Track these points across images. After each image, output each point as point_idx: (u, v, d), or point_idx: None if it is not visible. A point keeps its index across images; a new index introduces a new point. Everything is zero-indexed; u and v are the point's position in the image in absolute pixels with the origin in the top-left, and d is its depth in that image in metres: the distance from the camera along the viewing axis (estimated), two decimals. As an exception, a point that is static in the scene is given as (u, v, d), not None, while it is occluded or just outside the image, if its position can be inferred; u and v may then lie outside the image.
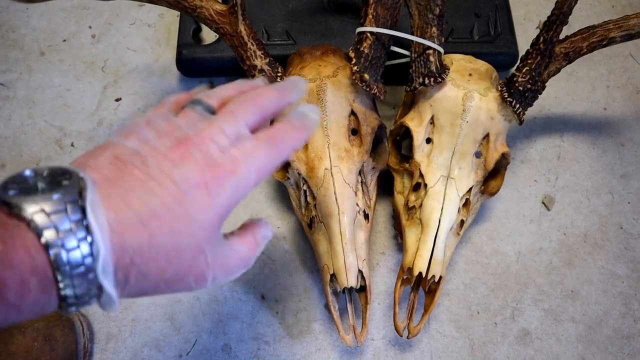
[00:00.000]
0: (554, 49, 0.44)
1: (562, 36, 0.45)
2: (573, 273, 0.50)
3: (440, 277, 0.43)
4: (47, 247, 0.21)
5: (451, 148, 0.44)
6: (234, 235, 0.29)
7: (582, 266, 0.50)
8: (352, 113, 0.45)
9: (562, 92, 0.57)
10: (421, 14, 0.45)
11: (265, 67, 0.44)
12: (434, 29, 0.44)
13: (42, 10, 0.61)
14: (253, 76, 0.45)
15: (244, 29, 0.44)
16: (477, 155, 0.45)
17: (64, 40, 0.60)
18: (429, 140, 0.45)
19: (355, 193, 0.44)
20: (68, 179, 0.22)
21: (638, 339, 0.48)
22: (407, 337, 0.44)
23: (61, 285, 0.22)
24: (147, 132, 0.26)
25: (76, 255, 0.21)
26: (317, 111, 0.31)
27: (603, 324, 0.48)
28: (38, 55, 0.59)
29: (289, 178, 0.46)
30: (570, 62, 0.45)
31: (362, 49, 0.43)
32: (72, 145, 0.55)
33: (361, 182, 0.45)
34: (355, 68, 0.43)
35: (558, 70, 0.46)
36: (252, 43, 0.44)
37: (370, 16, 0.43)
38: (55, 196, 0.22)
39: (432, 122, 0.45)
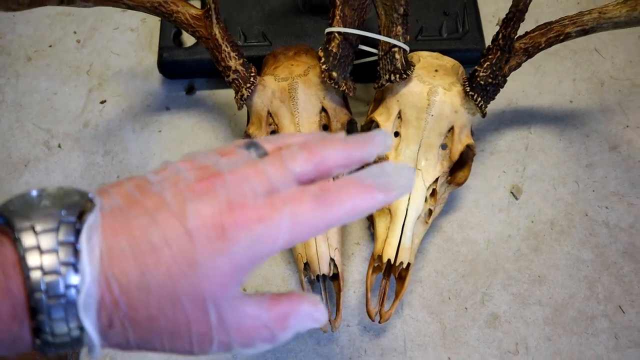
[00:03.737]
0: (513, 45, 0.46)
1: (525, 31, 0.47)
2: (540, 259, 0.52)
3: (409, 264, 0.45)
4: (26, 268, 0.19)
5: (418, 141, 0.46)
6: (264, 297, 0.23)
7: (548, 252, 0.53)
8: (323, 110, 0.47)
9: (529, 86, 0.59)
10: (387, 13, 0.47)
11: (239, 68, 0.46)
12: (399, 27, 0.46)
13: (28, 17, 0.63)
14: (228, 77, 0.47)
15: (218, 32, 0.46)
16: (443, 147, 0.47)
17: (50, 46, 0.62)
18: (396, 134, 0.47)
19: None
20: (75, 201, 0.21)
21: (601, 319, 0.50)
22: (379, 322, 0.46)
23: (37, 316, 0.19)
24: (180, 165, 0.23)
25: (56, 282, 0.19)
26: (408, 174, 0.24)
27: (568, 306, 0.51)
28: (25, 60, 0.61)
29: (264, 173, 0.48)
30: (530, 56, 0.47)
31: (330, 48, 0.46)
32: (59, 146, 0.57)
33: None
34: (324, 67, 0.45)
35: (519, 65, 0.48)
36: (226, 45, 0.46)
37: (338, 17, 0.46)
38: (51, 214, 0.20)
39: (399, 116, 0.47)
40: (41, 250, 0.19)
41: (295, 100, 0.46)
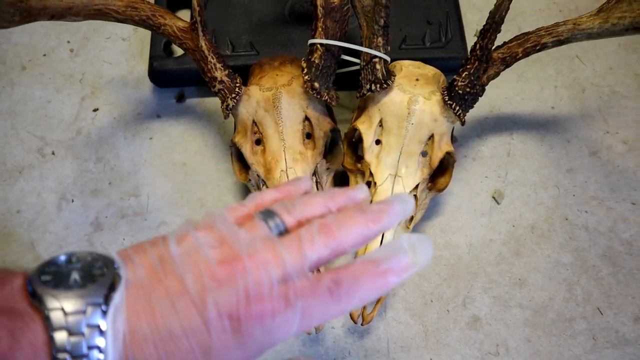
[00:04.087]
0: (491, 55, 0.48)
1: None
2: (521, 262, 0.54)
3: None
4: (54, 349, 0.20)
5: (398, 148, 0.48)
6: None
7: (529, 256, 0.54)
8: (306, 118, 0.48)
9: (512, 93, 0.61)
10: (368, 25, 0.48)
11: (225, 79, 0.48)
12: (379, 38, 0.47)
13: (23, 26, 0.64)
14: (214, 87, 0.48)
15: (204, 44, 0.48)
16: (423, 154, 0.49)
17: (44, 55, 0.63)
18: (378, 142, 0.49)
19: (311, 192, 0.47)
20: (103, 274, 0.22)
21: (580, 321, 0.51)
22: (362, 324, 0.47)
23: None
24: (201, 238, 0.24)
25: (78, 356, 0.20)
26: (426, 248, 0.25)
27: (548, 308, 0.52)
28: (20, 69, 0.63)
29: (250, 180, 0.50)
30: (507, 66, 0.49)
31: (312, 59, 0.47)
32: (53, 153, 0.58)
33: (316, 181, 0.48)
34: (306, 77, 0.46)
35: (497, 74, 0.49)
36: (212, 56, 0.48)
37: (320, 29, 0.47)
38: (81, 294, 0.21)
39: (380, 124, 0.49)
40: (69, 331, 0.20)
41: (279, 110, 0.47)
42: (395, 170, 0.48)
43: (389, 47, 0.48)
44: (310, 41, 0.47)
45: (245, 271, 0.22)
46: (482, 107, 0.60)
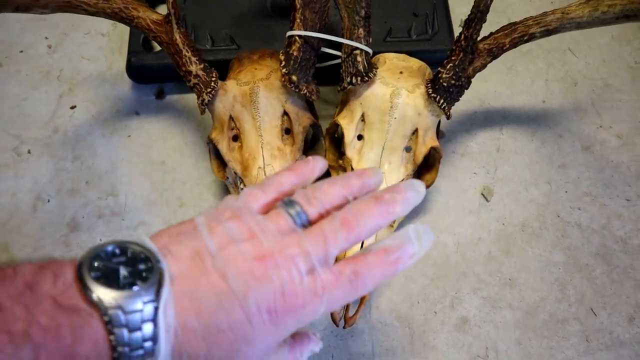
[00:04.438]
0: (476, 46, 0.46)
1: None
2: (511, 262, 0.52)
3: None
4: (114, 343, 0.22)
5: (381, 144, 0.46)
6: (285, 344, 0.29)
7: (519, 255, 0.52)
8: (285, 113, 0.47)
9: (502, 86, 0.59)
10: (349, 16, 0.47)
11: (200, 73, 0.46)
12: (360, 30, 0.46)
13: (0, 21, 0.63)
14: (189, 81, 0.46)
15: (179, 37, 0.46)
16: (407, 150, 0.47)
17: (21, 51, 0.62)
18: (360, 137, 0.47)
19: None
20: (149, 269, 0.23)
21: (572, 322, 0.49)
22: (344, 327, 0.46)
23: None
24: (232, 231, 0.25)
25: (138, 353, 0.22)
26: (428, 238, 0.28)
27: (539, 309, 0.50)
28: (-4, 66, 0.61)
29: (228, 177, 0.48)
30: (494, 57, 0.47)
31: (291, 52, 0.45)
32: (29, 152, 0.57)
33: (296, 179, 0.46)
34: (284, 70, 0.45)
35: (484, 66, 0.47)
36: (187, 50, 0.46)
37: (298, 20, 0.45)
38: (135, 291, 0.22)
39: (362, 119, 0.47)
40: (129, 328, 0.22)
41: (256, 105, 0.46)
42: (378, 166, 0.46)
43: (370, 39, 0.46)
44: (289, 33, 0.46)
45: (278, 267, 0.25)
46: (470, 102, 0.58)
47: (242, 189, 0.46)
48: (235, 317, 0.24)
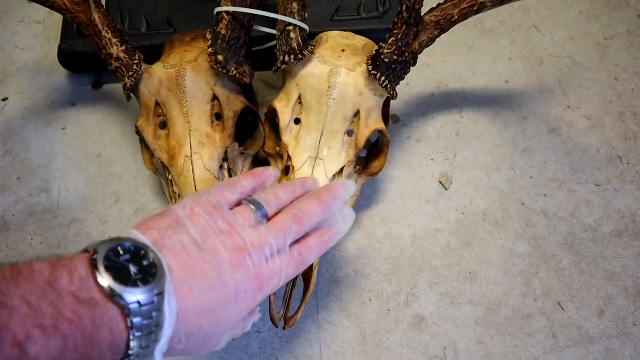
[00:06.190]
0: (422, 18, 0.42)
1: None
2: (472, 254, 0.48)
3: (312, 263, 0.41)
4: (133, 330, 0.26)
5: (320, 128, 0.42)
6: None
7: (481, 246, 0.48)
8: (215, 97, 0.43)
9: (461, 67, 0.55)
10: (284, -11, 0.43)
11: (122, 55, 0.42)
12: (294, 4, 0.42)
13: None
14: (111, 65, 0.43)
15: (97, 17, 0.42)
16: (349, 133, 0.43)
17: (-48, 42, 0.58)
18: (297, 121, 0.43)
19: (222, 180, 0.42)
20: (153, 265, 0.28)
21: (538, 318, 0.46)
22: (284, 328, 0.42)
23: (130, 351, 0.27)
24: (213, 224, 0.31)
25: (151, 338, 0.27)
26: (351, 217, 0.37)
27: (503, 305, 0.46)
28: None
29: (157, 169, 0.44)
30: (443, 31, 0.43)
31: (218, 30, 0.42)
32: (-42, 149, 0.53)
33: (228, 168, 0.43)
34: (210, 50, 0.41)
35: (432, 40, 0.43)
36: (107, 31, 0.42)
37: (226, -6, 0.41)
38: (150, 289, 0.27)
39: (300, 101, 0.43)
40: (143, 317, 0.27)
41: (182, 89, 0.42)
42: (316, 152, 0.42)
43: (306, 14, 0.43)
44: (217, 10, 0.42)
45: (251, 256, 0.31)
46: (427, 83, 0.54)
47: (170, 180, 0.43)
48: (223, 298, 0.30)
